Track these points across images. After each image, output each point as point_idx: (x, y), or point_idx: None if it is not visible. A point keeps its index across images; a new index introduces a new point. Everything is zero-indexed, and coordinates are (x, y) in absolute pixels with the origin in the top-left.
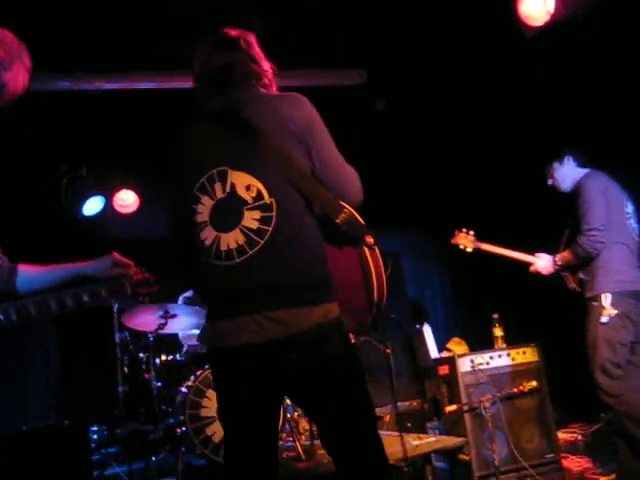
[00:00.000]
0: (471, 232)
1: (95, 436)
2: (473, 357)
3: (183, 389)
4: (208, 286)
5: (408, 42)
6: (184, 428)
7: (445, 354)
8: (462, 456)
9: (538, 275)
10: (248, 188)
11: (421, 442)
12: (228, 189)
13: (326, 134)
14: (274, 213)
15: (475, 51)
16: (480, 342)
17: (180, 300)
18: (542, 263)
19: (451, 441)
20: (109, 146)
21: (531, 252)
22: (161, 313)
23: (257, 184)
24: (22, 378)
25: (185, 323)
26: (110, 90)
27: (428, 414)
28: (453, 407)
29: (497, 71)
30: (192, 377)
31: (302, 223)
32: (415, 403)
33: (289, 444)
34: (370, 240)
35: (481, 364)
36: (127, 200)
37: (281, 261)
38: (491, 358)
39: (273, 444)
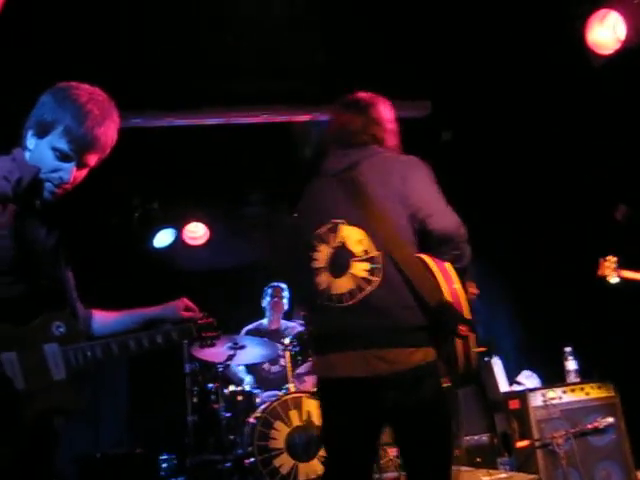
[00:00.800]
0: (614, 258)
1: (164, 465)
2: (545, 391)
3: (251, 420)
4: (322, 324)
5: (474, 72)
6: (252, 459)
7: (515, 387)
8: None
9: None
10: (359, 242)
11: (492, 478)
12: (341, 240)
13: (423, 179)
14: (381, 266)
15: (542, 80)
16: (552, 376)
17: (243, 332)
18: None
19: (523, 478)
20: (180, 180)
21: None
22: (230, 344)
23: (366, 240)
24: (94, 408)
25: (253, 354)
26: (181, 126)
27: (498, 449)
28: (524, 443)
29: (565, 100)
30: (261, 408)
31: (404, 281)
32: (485, 437)
33: None
34: (464, 331)
35: (553, 399)
36: (197, 232)
37: (387, 307)
38: (564, 392)
39: (370, 465)
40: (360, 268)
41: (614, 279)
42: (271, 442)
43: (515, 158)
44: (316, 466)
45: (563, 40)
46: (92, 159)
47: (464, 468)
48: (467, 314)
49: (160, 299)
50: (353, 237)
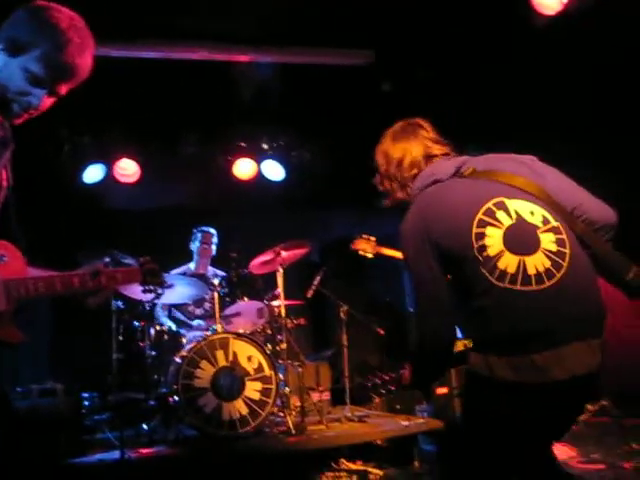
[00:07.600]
0: (372, 238)
1: (86, 402)
2: (466, 342)
3: (177, 359)
4: (516, 314)
5: (417, 24)
6: (176, 398)
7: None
8: None
9: None
10: (532, 213)
11: (411, 423)
12: (514, 215)
13: (559, 174)
14: (564, 236)
15: (484, 34)
16: None
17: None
18: None
19: (440, 424)
20: (113, 114)
21: None
22: None
23: (539, 210)
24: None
25: (181, 294)
26: (117, 57)
27: (418, 397)
28: (443, 390)
29: (505, 56)
30: (187, 347)
31: (590, 256)
32: None
33: (279, 419)
34: None
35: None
36: (128, 170)
37: (585, 286)
38: None
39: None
40: (547, 240)
41: (370, 255)
42: (196, 381)
43: (452, 109)
44: (239, 406)
45: None
46: (64, 88)
47: (385, 414)
48: None
49: (90, 236)
50: (525, 209)
